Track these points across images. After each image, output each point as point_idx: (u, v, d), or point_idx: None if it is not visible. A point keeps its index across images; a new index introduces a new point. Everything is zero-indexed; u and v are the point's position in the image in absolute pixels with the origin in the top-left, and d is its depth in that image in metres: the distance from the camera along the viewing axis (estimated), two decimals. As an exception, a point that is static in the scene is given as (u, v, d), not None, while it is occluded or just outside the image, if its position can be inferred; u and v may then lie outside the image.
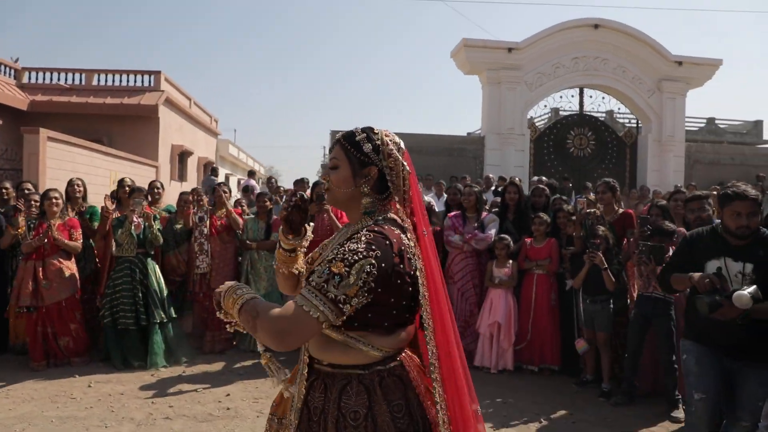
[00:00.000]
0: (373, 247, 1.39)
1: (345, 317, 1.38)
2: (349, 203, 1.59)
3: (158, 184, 6.43)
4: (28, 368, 4.99)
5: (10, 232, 5.24)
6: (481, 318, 5.21)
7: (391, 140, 1.58)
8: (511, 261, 5.25)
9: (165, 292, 5.40)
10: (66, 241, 5.12)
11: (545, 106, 14.65)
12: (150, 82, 19.08)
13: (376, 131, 1.59)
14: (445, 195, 7.49)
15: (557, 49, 13.50)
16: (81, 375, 4.85)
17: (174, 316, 5.44)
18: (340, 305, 1.34)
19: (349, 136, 1.58)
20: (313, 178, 9.76)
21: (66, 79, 18.89)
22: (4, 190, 5.95)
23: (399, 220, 1.54)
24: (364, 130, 1.59)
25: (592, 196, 5.79)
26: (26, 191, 5.59)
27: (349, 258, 1.37)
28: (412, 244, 1.50)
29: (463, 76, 14.82)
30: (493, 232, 5.38)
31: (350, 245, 1.40)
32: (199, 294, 5.71)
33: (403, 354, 1.56)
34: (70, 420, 3.87)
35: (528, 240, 5.32)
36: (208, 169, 24.99)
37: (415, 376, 1.54)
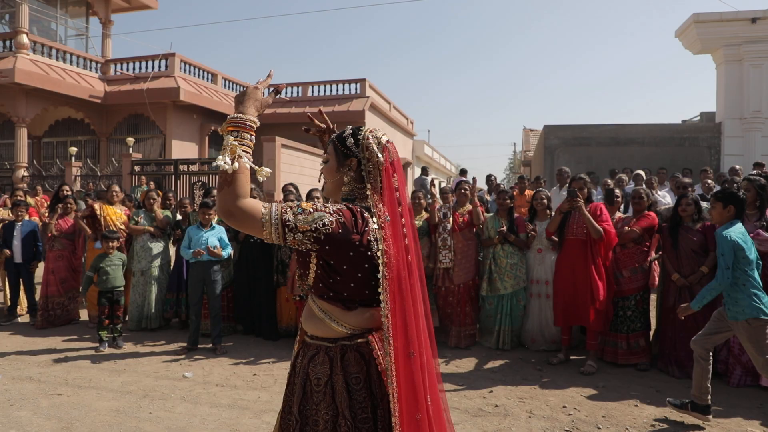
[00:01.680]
0: (340, 214, 1.60)
1: (282, 238, 1.54)
2: (335, 192, 1.82)
3: None
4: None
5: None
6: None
7: (373, 136, 1.74)
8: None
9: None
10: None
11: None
12: (357, 89, 20.41)
13: (362, 129, 1.76)
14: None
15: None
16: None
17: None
18: (287, 229, 1.54)
19: (340, 134, 1.79)
20: (500, 175, 9.51)
21: (286, 93, 21.10)
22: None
23: (372, 207, 1.66)
24: (353, 129, 1.77)
25: None
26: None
27: (319, 206, 1.60)
28: (376, 228, 1.63)
29: (668, 58, 13.23)
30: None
31: (326, 204, 1.65)
32: (442, 288, 5.83)
33: (374, 334, 1.70)
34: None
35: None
36: (407, 168, 25.96)
37: (382, 355, 1.65)
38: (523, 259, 5.75)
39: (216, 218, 5.80)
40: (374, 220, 1.65)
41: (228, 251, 5.80)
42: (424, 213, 6.07)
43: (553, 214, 5.58)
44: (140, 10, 19.88)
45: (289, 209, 1.56)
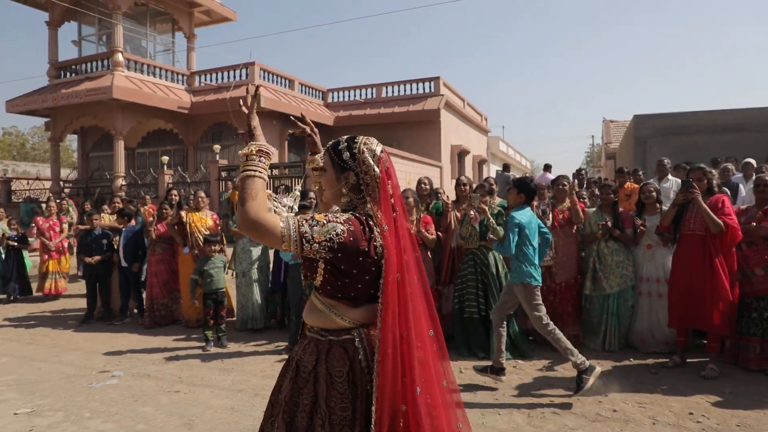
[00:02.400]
0: (350, 223, 1.72)
1: (301, 251, 1.66)
2: (335, 201, 1.92)
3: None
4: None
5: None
6: None
7: (368, 149, 1.82)
8: None
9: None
10: (426, 234, 5.55)
11: None
12: (431, 88, 20.27)
13: (357, 140, 1.84)
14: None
15: None
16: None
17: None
18: (304, 241, 1.65)
19: (335, 144, 1.87)
20: (572, 170, 9.05)
21: (361, 95, 21.29)
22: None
23: (373, 215, 1.78)
24: (347, 140, 1.85)
25: None
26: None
27: (331, 217, 1.71)
28: (377, 235, 1.75)
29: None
30: None
31: (337, 214, 1.76)
32: (543, 287, 5.60)
33: (369, 328, 1.79)
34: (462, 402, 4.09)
35: None
36: (482, 166, 25.58)
37: (367, 352, 1.76)
38: (629, 256, 5.44)
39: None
40: (376, 228, 1.76)
41: None
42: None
43: (664, 207, 5.25)
44: (221, 23, 20.70)
45: (305, 222, 1.67)
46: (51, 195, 14.69)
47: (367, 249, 1.73)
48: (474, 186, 6.24)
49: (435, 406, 1.77)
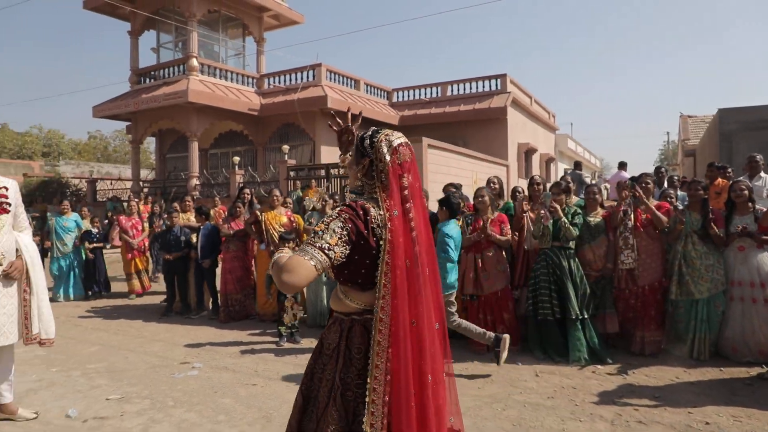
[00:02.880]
0: (343, 213, 1.82)
1: (333, 263, 1.78)
2: (353, 184, 2.03)
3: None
4: (470, 351, 5.45)
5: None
6: None
7: (386, 139, 1.93)
8: None
9: (583, 288, 5.23)
10: (498, 236, 5.43)
11: None
12: (497, 85, 19.90)
13: (380, 132, 1.96)
14: None
15: None
16: (522, 363, 5.05)
17: (589, 313, 5.22)
18: (326, 251, 1.75)
19: (363, 133, 2.00)
20: (649, 168, 8.51)
21: (426, 94, 21.19)
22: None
23: (380, 201, 1.87)
24: (373, 130, 1.98)
25: None
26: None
27: (326, 221, 1.82)
28: (380, 219, 1.84)
29: None
30: None
31: (328, 216, 1.84)
32: (625, 290, 5.36)
33: None
34: (540, 408, 3.96)
35: None
36: (550, 164, 24.89)
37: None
38: (720, 259, 5.10)
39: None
40: (380, 212, 1.85)
41: None
42: (600, 209, 5.64)
43: (758, 207, 4.89)
44: (289, 26, 21.19)
45: (316, 238, 1.78)
46: (131, 194, 15.52)
47: (366, 233, 1.82)
48: (547, 185, 6.05)
49: (438, 395, 1.90)
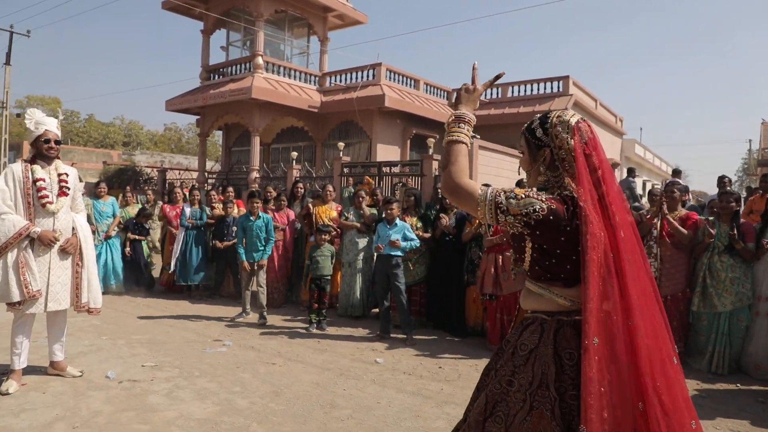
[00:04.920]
0: (551, 202, 1.67)
1: (497, 223, 1.70)
2: (533, 182, 1.85)
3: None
4: (485, 348, 5.59)
5: (470, 227, 6.02)
6: None
7: (560, 121, 1.75)
8: None
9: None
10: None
11: None
12: (559, 87, 19.56)
13: (549, 115, 1.79)
14: None
15: None
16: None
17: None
18: (499, 211, 1.68)
19: (528, 125, 1.84)
20: (731, 177, 8.10)
21: (485, 95, 21.10)
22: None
23: (573, 193, 1.72)
24: (540, 117, 1.81)
25: None
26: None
27: (531, 194, 1.68)
28: (583, 212, 1.62)
29: None
30: None
31: (540, 192, 1.71)
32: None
33: None
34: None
35: None
36: (615, 170, 24.13)
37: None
38: (747, 273, 4.98)
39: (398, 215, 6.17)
40: (579, 205, 1.65)
41: (413, 244, 6.04)
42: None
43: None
44: (352, 26, 21.68)
45: (502, 193, 1.70)
46: (196, 183, 16.46)
47: (570, 228, 1.66)
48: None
49: (676, 410, 1.57)
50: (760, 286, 4.93)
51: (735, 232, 4.93)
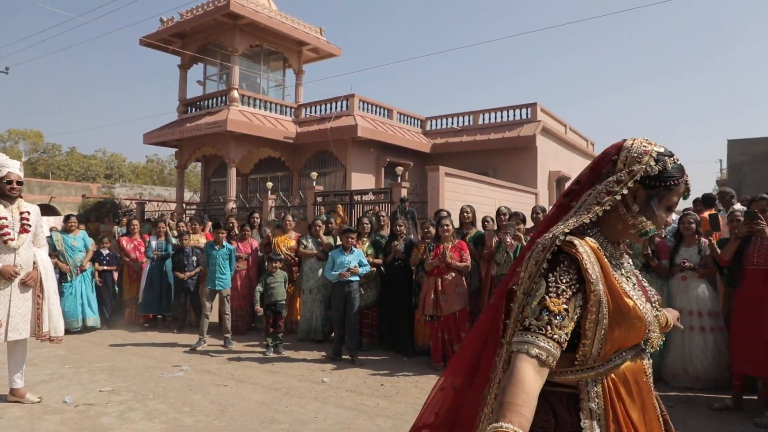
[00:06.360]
0: None
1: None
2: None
3: (538, 209, 6.79)
4: (430, 367, 5.95)
5: (417, 253, 6.43)
6: None
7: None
8: None
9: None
10: (457, 262, 5.94)
11: None
12: (527, 114, 20.28)
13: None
14: None
15: None
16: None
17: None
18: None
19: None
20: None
21: (457, 122, 21.77)
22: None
23: None
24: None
25: None
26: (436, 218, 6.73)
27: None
28: None
29: None
30: None
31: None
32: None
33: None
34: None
35: None
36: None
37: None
38: (663, 288, 5.42)
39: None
40: None
41: (365, 269, 6.44)
42: None
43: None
44: (327, 59, 22.37)
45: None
46: (173, 214, 16.76)
47: None
48: (510, 215, 6.51)
49: None
50: (674, 300, 5.36)
51: (649, 251, 5.39)
